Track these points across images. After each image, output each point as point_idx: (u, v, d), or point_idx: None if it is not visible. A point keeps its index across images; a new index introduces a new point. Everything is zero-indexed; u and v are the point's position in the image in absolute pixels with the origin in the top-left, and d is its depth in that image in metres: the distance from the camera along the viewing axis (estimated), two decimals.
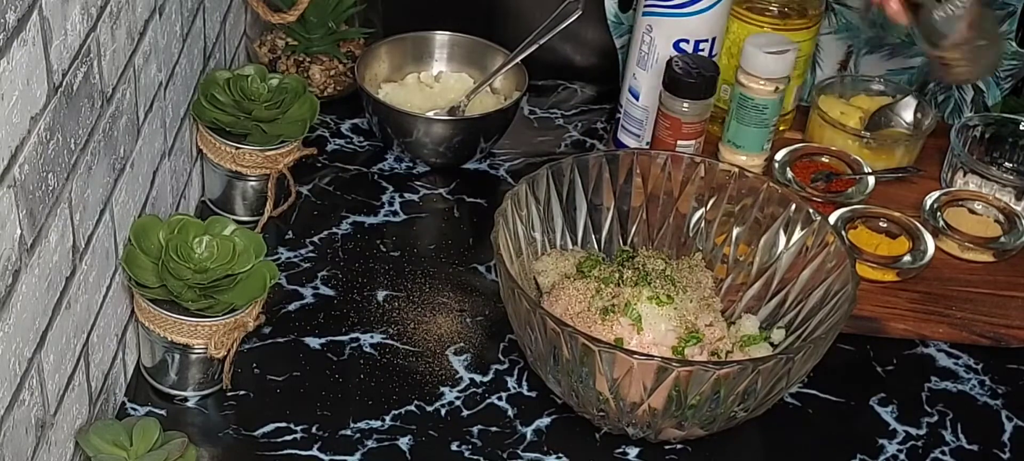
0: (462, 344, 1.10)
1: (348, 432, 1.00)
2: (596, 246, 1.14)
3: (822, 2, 1.31)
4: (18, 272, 0.76)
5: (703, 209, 1.13)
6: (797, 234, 1.08)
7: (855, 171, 1.28)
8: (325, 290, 1.14)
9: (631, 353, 0.93)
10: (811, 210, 1.08)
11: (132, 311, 1.01)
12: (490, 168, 1.32)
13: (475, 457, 1.00)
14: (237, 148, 1.15)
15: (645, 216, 1.14)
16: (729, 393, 0.94)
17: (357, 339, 1.09)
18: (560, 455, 1.01)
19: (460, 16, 1.39)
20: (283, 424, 1.00)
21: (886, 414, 1.07)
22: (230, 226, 1.01)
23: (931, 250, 1.20)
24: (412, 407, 1.03)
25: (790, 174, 1.26)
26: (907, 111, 1.32)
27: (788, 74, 1.24)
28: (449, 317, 1.13)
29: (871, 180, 1.26)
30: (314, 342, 1.08)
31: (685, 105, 1.20)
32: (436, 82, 1.37)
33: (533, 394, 1.06)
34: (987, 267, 1.22)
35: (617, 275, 1.07)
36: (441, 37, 1.37)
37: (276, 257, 1.16)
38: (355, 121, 1.36)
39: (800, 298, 1.06)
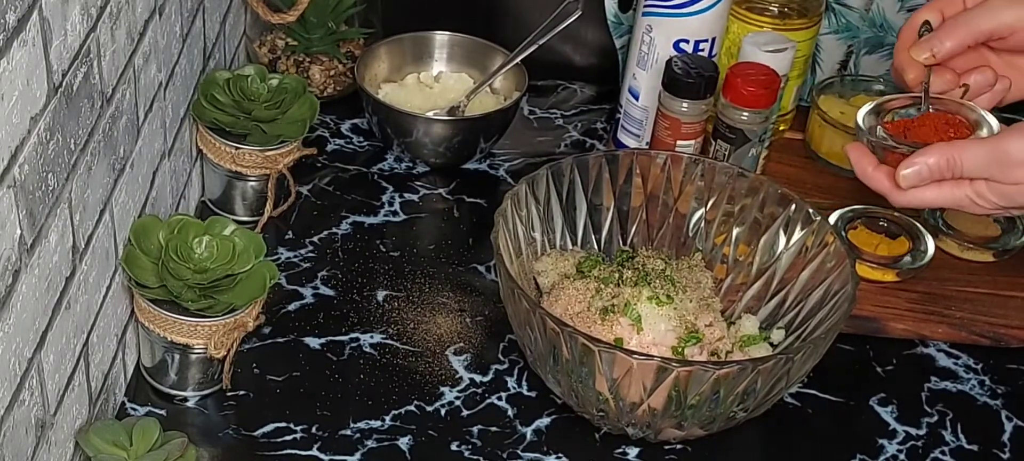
0: (462, 344, 1.10)
1: (348, 432, 1.00)
2: (596, 246, 1.14)
3: (822, 2, 1.31)
4: (18, 272, 0.76)
5: (703, 209, 1.13)
6: (797, 234, 1.08)
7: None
8: (325, 290, 1.14)
9: (631, 353, 0.93)
10: (811, 210, 1.08)
11: (132, 311, 1.01)
12: (490, 168, 1.32)
13: (475, 457, 1.00)
14: (237, 148, 1.15)
15: (645, 216, 1.14)
16: (729, 393, 0.94)
17: (357, 339, 1.09)
18: (560, 455, 1.01)
19: (460, 16, 1.39)
20: (283, 424, 1.00)
21: (886, 414, 1.07)
22: (230, 226, 1.01)
23: (931, 250, 1.20)
24: (412, 407, 1.03)
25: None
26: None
27: (786, 72, 1.24)
28: (449, 317, 1.13)
29: None
30: (314, 342, 1.08)
31: (684, 105, 1.20)
32: (436, 82, 1.37)
33: (533, 394, 1.06)
34: (987, 267, 1.22)
35: (617, 275, 1.07)
36: (441, 37, 1.37)
37: (276, 257, 1.16)
38: (355, 121, 1.36)
39: (800, 298, 1.06)
